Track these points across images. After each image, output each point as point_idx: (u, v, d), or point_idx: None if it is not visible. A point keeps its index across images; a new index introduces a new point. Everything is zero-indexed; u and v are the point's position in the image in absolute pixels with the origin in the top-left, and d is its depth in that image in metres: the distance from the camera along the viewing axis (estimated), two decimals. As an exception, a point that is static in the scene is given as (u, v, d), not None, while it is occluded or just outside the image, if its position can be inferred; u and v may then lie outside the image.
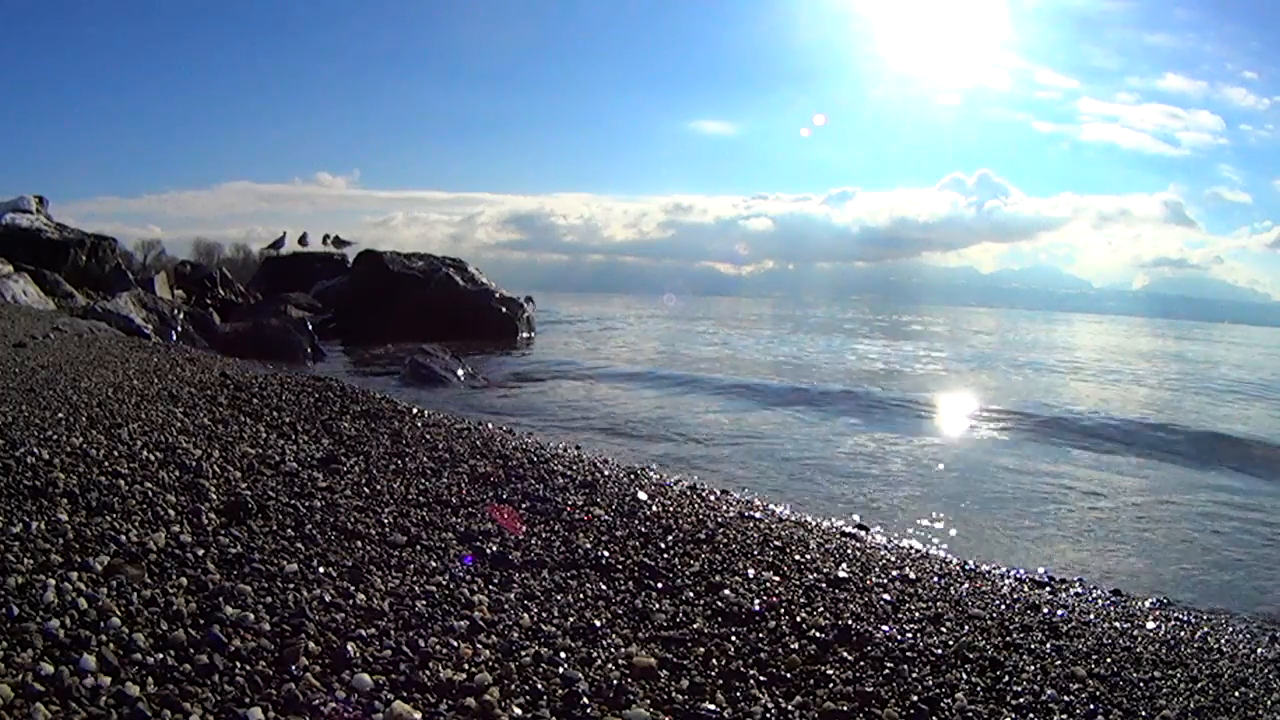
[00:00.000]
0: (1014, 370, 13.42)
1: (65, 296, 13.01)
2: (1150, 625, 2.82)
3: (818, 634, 2.29)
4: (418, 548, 2.60)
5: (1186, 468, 6.53)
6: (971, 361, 15.20)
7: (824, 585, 2.71)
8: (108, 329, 9.33)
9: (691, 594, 2.51)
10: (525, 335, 17.51)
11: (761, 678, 2.02)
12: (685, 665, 2.03)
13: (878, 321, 29.62)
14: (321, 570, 2.30)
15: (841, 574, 2.83)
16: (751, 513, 3.63)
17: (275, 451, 3.58)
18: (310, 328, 13.12)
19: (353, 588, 2.20)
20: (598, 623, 2.21)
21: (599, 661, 1.99)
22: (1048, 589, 3.19)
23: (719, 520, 3.33)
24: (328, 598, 2.12)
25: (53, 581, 1.93)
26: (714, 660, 2.08)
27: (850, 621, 2.40)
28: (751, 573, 2.74)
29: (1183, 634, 2.77)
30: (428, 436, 4.24)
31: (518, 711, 1.72)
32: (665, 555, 2.82)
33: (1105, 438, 7.37)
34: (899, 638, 2.32)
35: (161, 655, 1.71)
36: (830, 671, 2.08)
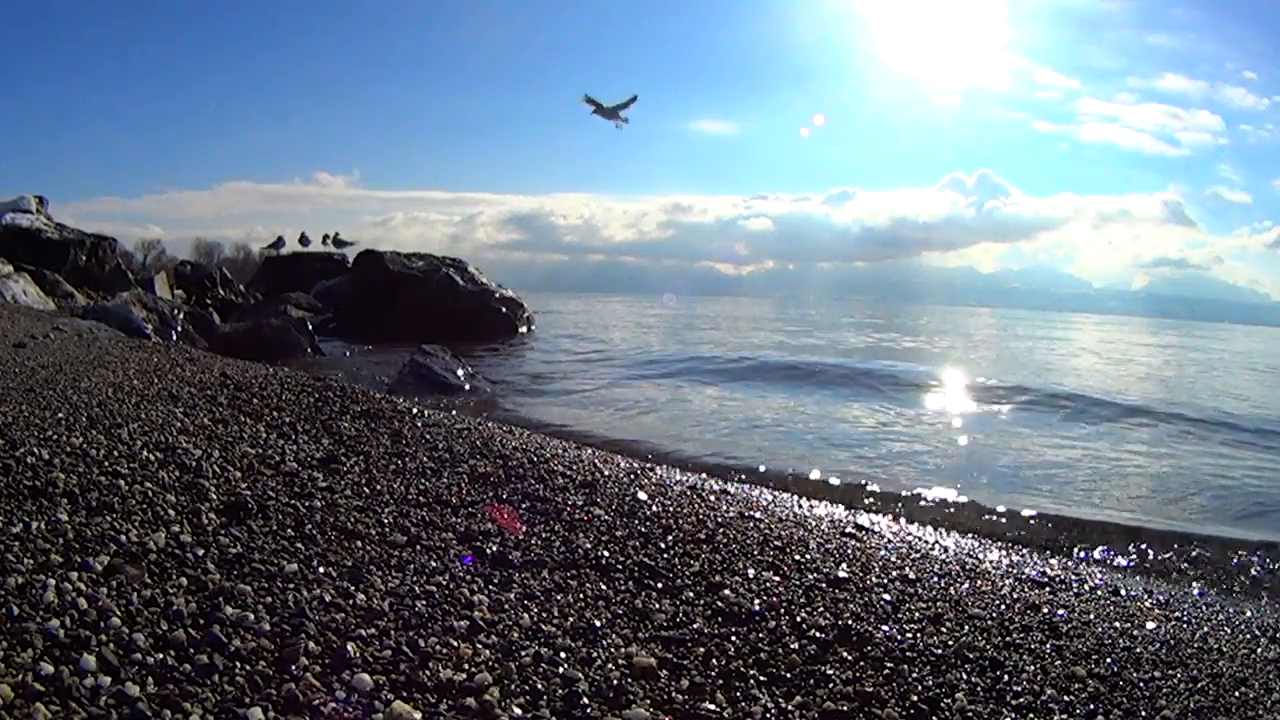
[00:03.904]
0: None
1: (65, 296, 13.02)
2: (1150, 625, 2.82)
3: (818, 634, 2.29)
4: (418, 548, 2.60)
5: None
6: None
7: (824, 585, 2.71)
8: (108, 329, 9.33)
9: (691, 594, 2.51)
10: (525, 335, 17.53)
11: (761, 678, 2.02)
12: (685, 665, 2.03)
13: (874, 326, 29.31)
14: (321, 570, 2.30)
15: (841, 574, 2.83)
16: (751, 513, 3.63)
17: (275, 451, 3.58)
18: (310, 328, 13.13)
19: (353, 588, 2.20)
20: (598, 623, 2.21)
21: (599, 661, 1.99)
22: (1048, 589, 3.19)
23: (719, 520, 3.33)
24: (328, 598, 2.12)
25: (53, 581, 1.93)
26: (714, 660, 2.08)
27: (850, 621, 2.40)
28: (751, 573, 2.74)
29: (1183, 634, 2.77)
30: (428, 436, 4.24)
31: (518, 711, 1.72)
32: (665, 555, 2.82)
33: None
34: (899, 638, 2.32)
35: (161, 655, 1.71)
36: (830, 671, 2.08)
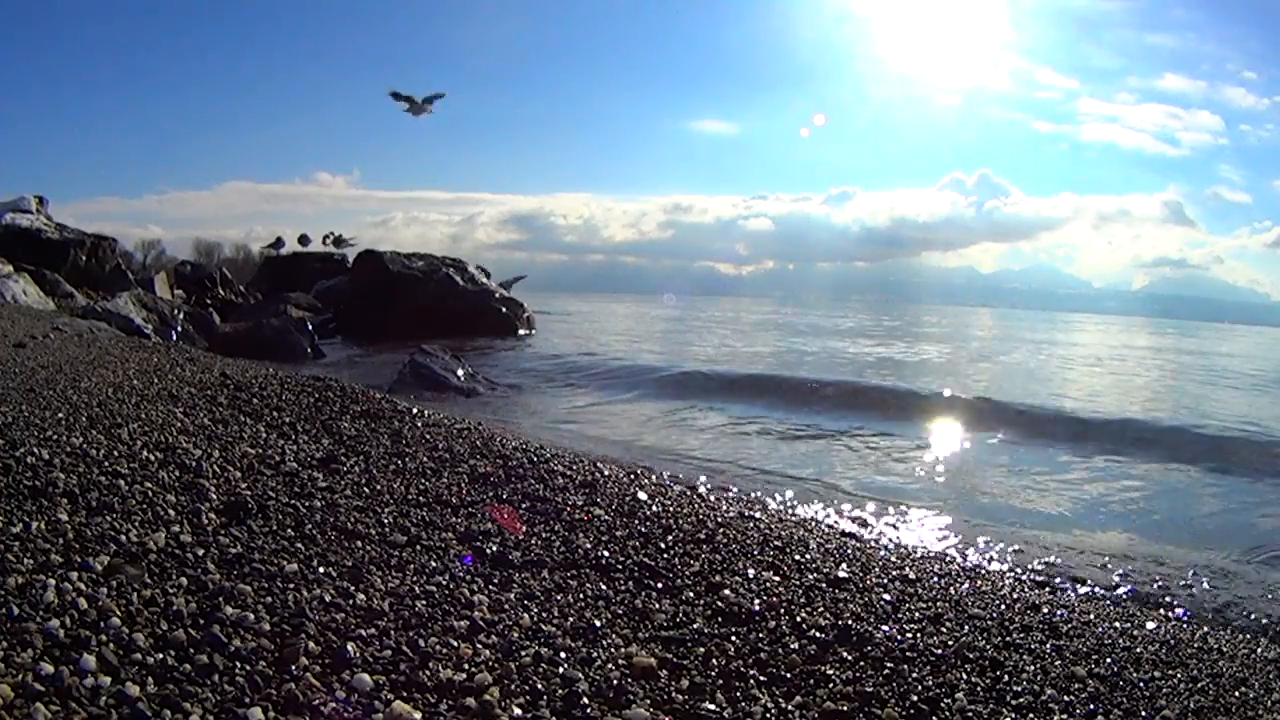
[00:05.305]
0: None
1: (65, 296, 13.02)
2: (1150, 625, 2.82)
3: (818, 634, 2.29)
4: (418, 548, 2.60)
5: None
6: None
7: (824, 585, 2.71)
8: (108, 329, 9.34)
9: (691, 594, 2.51)
10: (525, 335, 17.53)
11: (761, 678, 2.02)
12: (685, 665, 2.03)
13: (874, 329, 28.98)
14: (321, 570, 2.30)
15: (841, 574, 2.83)
16: (752, 512, 3.63)
17: (275, 451, 3.58)
18: (310, 327, 13.14)
19: (353, 588, 2.20)
20: (598, 623, 2.21)
21: (599, 661, 1.99)
22: (1048, 589, 3.19)
23: (719, 520, 3.32)
24: (328, 598, 2.11)
25: (53, 581, 1.93)
26: (714, 660, 2.08)
27: (850, 621, 2.40)
28: (751, 573, 2.74)
29: (1183, 634, 2.77)
30: (428, 436, 4.24)
31: (518, 711, 1.72)
32: (665, 555, 2.82)
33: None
34: (899, 638, 2.32)
35: (161, 655, 1.71)
36: (830, 671, 2.08)
